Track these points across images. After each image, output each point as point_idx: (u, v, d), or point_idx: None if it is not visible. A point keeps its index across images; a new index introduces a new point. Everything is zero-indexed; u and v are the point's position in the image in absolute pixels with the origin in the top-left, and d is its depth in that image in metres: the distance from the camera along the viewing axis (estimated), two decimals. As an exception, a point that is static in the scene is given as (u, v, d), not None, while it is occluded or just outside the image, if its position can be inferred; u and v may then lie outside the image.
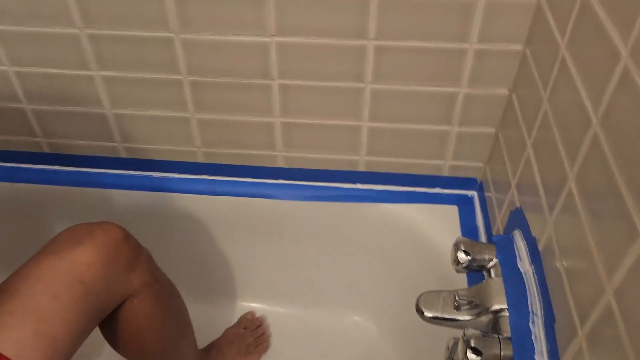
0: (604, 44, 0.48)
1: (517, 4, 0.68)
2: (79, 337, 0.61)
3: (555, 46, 0.60)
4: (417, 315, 0.95)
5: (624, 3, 0.45)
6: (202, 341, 1.00)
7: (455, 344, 0.77)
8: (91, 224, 0.67)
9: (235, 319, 1.10)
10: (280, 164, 0.93)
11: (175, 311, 0.81)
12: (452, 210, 0.91)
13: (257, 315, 1.10)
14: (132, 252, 0.68)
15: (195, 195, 0.96)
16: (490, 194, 0.86)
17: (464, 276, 0.82)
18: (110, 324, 0.72)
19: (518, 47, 0.72)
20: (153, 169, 0.96)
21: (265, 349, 1.06)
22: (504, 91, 0.77)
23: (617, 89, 0.46)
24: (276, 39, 0.75)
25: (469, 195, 0.93)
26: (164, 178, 0.97)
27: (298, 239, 1.00)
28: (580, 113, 0.52)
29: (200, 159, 0.94)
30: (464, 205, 0.91)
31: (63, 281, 0.60)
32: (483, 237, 0.86)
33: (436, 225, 0.89)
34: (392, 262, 0.98)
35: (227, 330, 1.07)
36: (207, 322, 1.08)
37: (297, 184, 0.95)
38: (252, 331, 1.06)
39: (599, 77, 0.49)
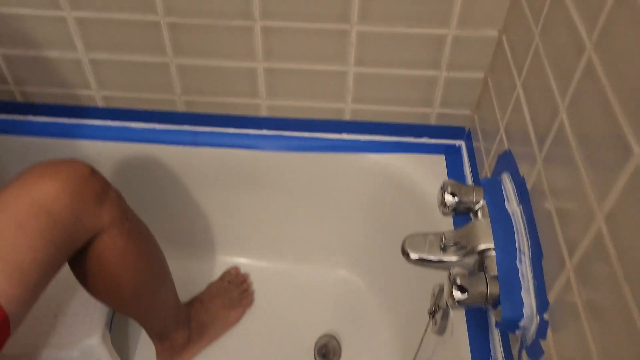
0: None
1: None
2: (47, 268, 0.60)
3: (548, -24, 0.58)
4: (403, 266, 0.94)
5: None
6: (185, 296, 0.98)
7: (441, 290, 0.77)
8: (56, 160, 0.65)
9: (218, 274, 1.09)
10: (264, 113, 0.90)
11: (150, 253, 0.79)
12: (440, 160, 0.89)
13: (242, 270, 1.09)
14: (99, 186, 0.67)
15: (176, 146, 0.93)
16: (478, 144, 0.84)
17: (450, 223, 0.81)
18: (80, 261, 0.70)
19: (509, -16, 0.70)
20: (131, 118, 0.93)
21: (250, 303, 1.05)
22: (493, 32, 0.75)
23: (612, 9, 0.44)
24: (258, -25, 0.71)
25: (457, 145, 0.91)
26: (143, 129, 0.94)
27: (282, 191, 0.98)
28: (574, 39, 0.50)
29: (181, 108, 0.91)
30: (452, 154, 0.90)
31: (28, 211, 0.59)
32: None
33: (423, 175, 0.88)
34: (378, 214, 0.96)
35: (211, 284, 1.05)
36: (190, 277, 1.07)
37: (281, 135, 0.93)
38: (237, 286, 1.05)
39: (594, 1, 0.47)
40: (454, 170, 0.88)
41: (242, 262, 1.10)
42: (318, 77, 0.83)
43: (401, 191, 0.90)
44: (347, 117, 0.89)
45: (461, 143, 0.91)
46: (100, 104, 0.91)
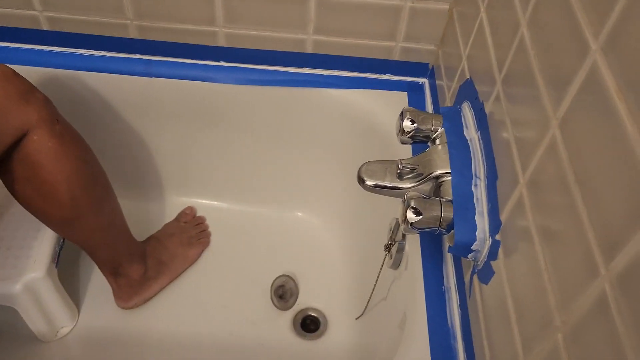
0: None
1: None
2: None
3: None
4: (361, 204, 0.93)
5: None
6: (139, 237, 0.95)
7: (397, 224, 0.76)
8: None
9: (173, 216, 1.05)
10: (221, 42, 0.86)
11: (87, 160, 0.75)
12: (402, 97, 0.87)
13: (198, 212, 1.06)
14: (23, 86, 0.66)
15: (127, 76, 0.88)
16: (441, 81, 0.83)
17: (409, 155, 0.79)
18: (9, 165, 0.67)
19: None
20: (79, 45, 0.88)
21: (207, 243, 1.03)
22: (460, -41, 0.72)
23: None
24: None
25: (420, 82, 0.89)
26: (92, 56, 0.89)
27: (240, 128, 0.95)
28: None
29: (133, 34, 0.86)
30: (415, 91, 0.88)
31: None
32: (431, 122, 0.83)
33: (385, 112, 0.86)
34: (337, 151, 0.94)
35: (167, 224, 1.02)
36: (143, 218, 1.04)
37: (240, 67, 0.89)
38: (194, 226, 1.03)
39: None
40: (416, 106, 0.86)
41: (199, 202, 1.07)
42: (279, 4, 0.79)
43: (363, 128, 0.88)
44: (308, 49, 0.86)
45: (424, 81, 0.89)
46: (45, 26, 0.85)
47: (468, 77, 0.68)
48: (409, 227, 0.56)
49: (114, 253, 0.85)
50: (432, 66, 0.87)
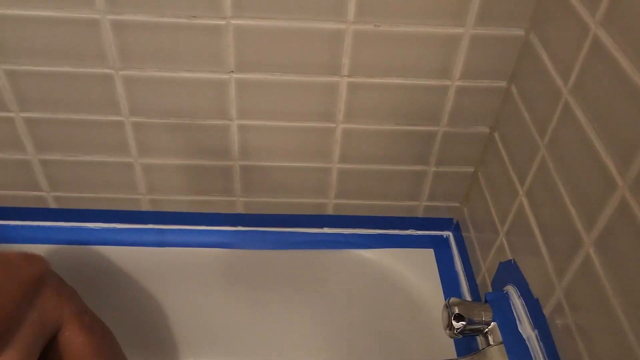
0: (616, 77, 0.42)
1: (503, 38, 0.62)
2: None
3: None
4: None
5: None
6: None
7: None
8: (14, 252, 0.62)
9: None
10: (240, 209, 0.82)
11: (111, 349, 0.72)
12: (429, 254, 0.84)
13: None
14: (57, 281, 0.65)
15: (140, 247, 0.84)
16: (468, 234, 0.80)
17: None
18: None
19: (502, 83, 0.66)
20: (90, 219, 0.83)
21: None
22: (484, 129, 0.72)
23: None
24: (235, 75, 0.65)
25: (444, 236, 0.86)
26: (102, 229, 0.84)
27: (260, 291, 0.90)
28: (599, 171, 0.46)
29: (145, 207, 0.82)
30: (440, 247, 0.85)
31: None
32: (464, 284, 0.80)
33: (412, 271, 0.82)
34: (367, 313, 0.89)
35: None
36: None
37: (258, 230, 0.85)
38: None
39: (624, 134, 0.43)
40: (445, 265, 0.83)
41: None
42: (299, 173, 0.77)
43: (390, 288, 0.84)
44: (329, 211, 0.83)
45: (449, 234, 0.87)
46: (52, 205, 0.81)
47: (510, 257, 0.65)
48: None
49: None
50: (457, 220, 0.85)
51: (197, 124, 0.70)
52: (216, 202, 0.81)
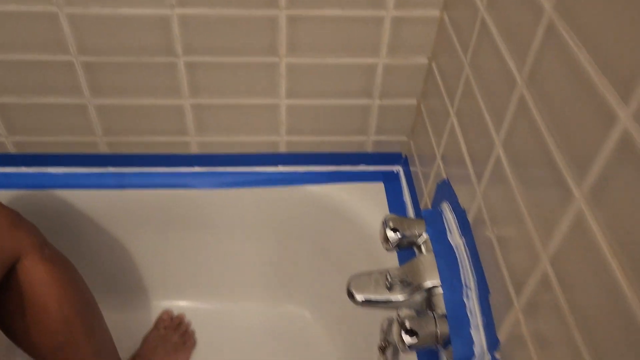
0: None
1: (433, -34, 0.65)
2: None
3: (474, 9, 0.58)
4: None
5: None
6: (123, 354, 0.91)
7: (390, 324, 0.75)
8: None
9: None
10: (194, 150, 0.85)
11: (76, 281, 0.74)
12: (379, 188, 0.88)
13: (176, 313, 1.03)
14: (12, 213, 0.67)
15: (101, 190, 0.87)
16: (415, 169, 0.84)
17: (394, 253, 0.79)
18: (2, 296, 0.67)
19: (435, 12, 0.69)
20: (50, 163, 0.86)
21: (193, 344, 0.99)
22: (423, 60, 0.75)
23: (542, 46, 0.43)
24: (177, 10, 0.67)
25: (395, 171, 0.90)
26: (63, 174, 0.87)
27: (218, 228, 0.93)
28: (505, 75, 0.50)
29: (104, 150, 0.85)
30: (390, 181, 0.89)
31: None
32: (411, 212, 0.84)
33: (363, 204, 0.86)
34: (321, 246, 0.94)
35: (146, 336, 0.98)
36: (126, 330, 0.99)
37: (214, 171, 0.88)
38: (174, 330, 0.99)
39: (523, 36, 0.46)
40: (394, 196, 0.87)
41: (181, 305, 1.04)
42: (250, 111, 0.80)
43: (342, 221, 0.88)
44: (282, 149, 0.86)
45: (399, 169, 0.90)
46: (12, 150, 0.83)
47: (445, 177, 0.69)
48: (407, 348, 0.55)
49: None
50: (405, 155, 0.88)
51: (144, 62, 0.73)
52: (172, 143, 0.84)
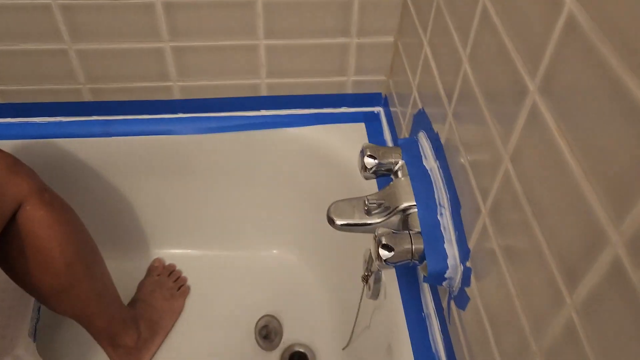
0: None
1: None
2: None
3: None
4: (334, 237, 0.94)
5: None
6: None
7: (372, 255, 0.78)
8: None
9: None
10: (177, 95, 0.86)
11: (76, 224, 0.76)
12: (360, 128, 0.90)
13: (170, 261, 1.05)
14: (9, 158, 0.68)
15: (86, 138, 0.88)
16: (395, 108, 0.85)
17: (375, 188, 0.81)
18: (5, 241, 0.68)
19: (408, -56, 0.70)
20: (34, 113, 0.87)
21: (188, 290, 1.02)
22: (398, -5, 0.76)
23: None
24: (151, -52, 0.68)
25: (375, 112, 0.92)
26: (49, 123, 0.88)
27: (204, 174, 0.95)
28: (469, -10, 0.51)
29: (87, 98, 0.86)
30: (371, 121, 0.90)
31: None
32: (391, 150, 0.86)
33: (345, 144, 0.88)
34: (304, 188, 0.96)
35: (142, 283, 1.01)
36: (121, 277, 1.02)
37: (197, 117, 0.90)
38: (167, 277, 1.02)
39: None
40: (375, 136, 0.89)
41: (172, 252, 1.07)
42: (229, 53, 0.81)
43: (325, 163, 0.90)
44: (263, 92, 0.87)
45: (379, 109, 0.92)
46: (-4, 100, 0.84)
47: (420, 107, 0.70)
48: (383, 263, 0.58)
49: (109, 321, 0.83)
50: (385, 95, 0.90)
51: (122, 3, 0.73)
52: (155, 89, 0.85)
